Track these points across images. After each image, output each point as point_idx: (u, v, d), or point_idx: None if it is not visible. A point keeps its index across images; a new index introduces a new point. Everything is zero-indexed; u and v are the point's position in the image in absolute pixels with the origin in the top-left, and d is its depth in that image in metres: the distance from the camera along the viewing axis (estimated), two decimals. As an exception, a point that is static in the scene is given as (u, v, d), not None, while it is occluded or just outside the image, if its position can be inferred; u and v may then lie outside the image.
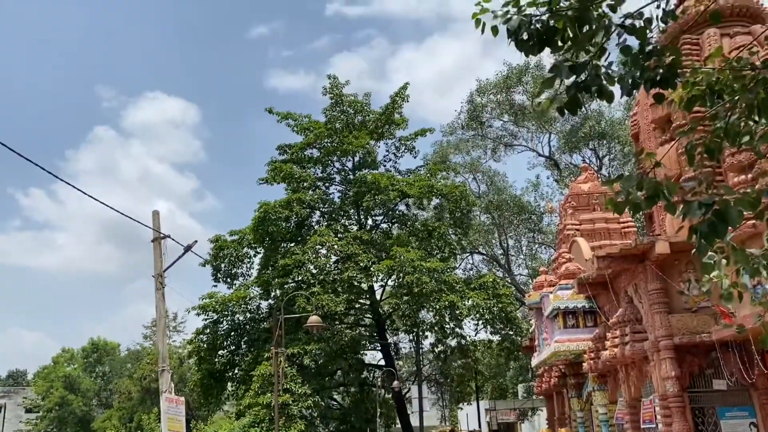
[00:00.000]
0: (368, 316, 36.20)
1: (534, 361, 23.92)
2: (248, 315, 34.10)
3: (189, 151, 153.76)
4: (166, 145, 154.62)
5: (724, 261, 4.23)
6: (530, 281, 38.95)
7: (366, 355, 36.83)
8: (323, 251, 32.83)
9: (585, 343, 18.53)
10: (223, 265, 35.68)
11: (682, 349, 13.63)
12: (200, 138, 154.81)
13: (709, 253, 4.29)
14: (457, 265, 43.17)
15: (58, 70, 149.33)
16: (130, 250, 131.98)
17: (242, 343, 34.30)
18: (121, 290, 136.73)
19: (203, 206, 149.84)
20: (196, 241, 10.84)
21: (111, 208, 10.90)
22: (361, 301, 35.07)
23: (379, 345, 36.16)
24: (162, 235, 11.22)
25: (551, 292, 20.01)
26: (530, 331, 31.34)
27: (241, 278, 36.23)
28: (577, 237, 21.64)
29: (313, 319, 13.89)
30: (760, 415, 13.39)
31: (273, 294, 32.78)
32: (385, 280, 34.37)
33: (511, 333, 32.49)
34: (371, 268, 31.42)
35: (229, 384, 36.00)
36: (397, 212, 37.62)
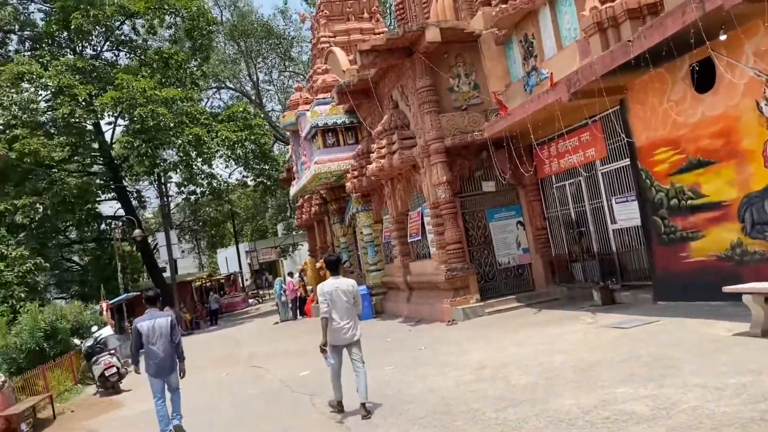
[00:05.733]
0: (99, 161, 30.73)
1: (293, 190, 22.04)
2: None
3: None
4: None
5: None
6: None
7: (100, 205, 31.64)
8: (26, 85, 26.16)
9: (347, 162, 16.83)
10: None
11: (453, 152, 12.35)
12: None
13: None
14: (203, 101, 38.75)
15: None
16: None
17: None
18: None
19: None
20: None
21: None
22: (89, 144, 29.40)
23: (116, 194, 31.29)
24: None
25: (308, 110, 17.71)
26: (287, 161, 29.33)
27: None
28: (333, 48, 19.38)
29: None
30: (526, 212, 12.96)
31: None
32: (115, 117, 29.00)
33: (266, 168, 29.97)
34: (94, 103, 25.88)
35: None
36: (122, 37, 31.35)
